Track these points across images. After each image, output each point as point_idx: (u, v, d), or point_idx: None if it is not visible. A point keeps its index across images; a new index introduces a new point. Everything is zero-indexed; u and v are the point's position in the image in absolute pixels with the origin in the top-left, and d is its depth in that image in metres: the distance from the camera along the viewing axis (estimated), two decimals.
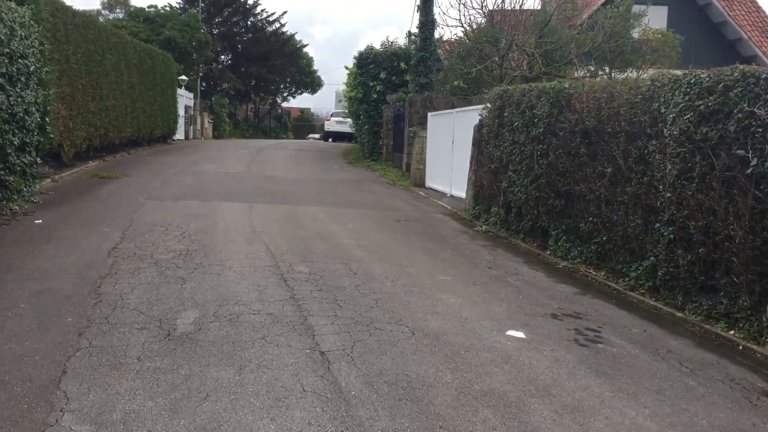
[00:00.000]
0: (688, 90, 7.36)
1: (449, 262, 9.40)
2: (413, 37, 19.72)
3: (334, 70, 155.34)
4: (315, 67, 56.71)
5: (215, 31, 46.21)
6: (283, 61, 50.26)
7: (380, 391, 4.80)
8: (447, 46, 22.26)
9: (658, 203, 7.80)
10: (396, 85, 24.19)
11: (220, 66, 48.85)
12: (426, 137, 18.22)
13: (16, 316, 5.99)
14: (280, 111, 62.61)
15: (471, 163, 13.74)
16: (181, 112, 32.62)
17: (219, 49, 46.39)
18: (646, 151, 8.07)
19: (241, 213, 12.31)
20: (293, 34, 52.60)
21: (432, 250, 10.16)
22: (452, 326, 6.40)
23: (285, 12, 56.56)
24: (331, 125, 42.64)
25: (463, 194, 15.32)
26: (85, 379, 4.75)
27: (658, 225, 7.77)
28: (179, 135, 32.28)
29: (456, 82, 19.42)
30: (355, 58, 25.19)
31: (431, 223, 12.68)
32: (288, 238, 10.14)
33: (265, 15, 50.17)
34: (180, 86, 32.25)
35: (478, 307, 7.15)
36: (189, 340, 5.56)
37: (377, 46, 25.26)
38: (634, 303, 7.83)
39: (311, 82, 56.83)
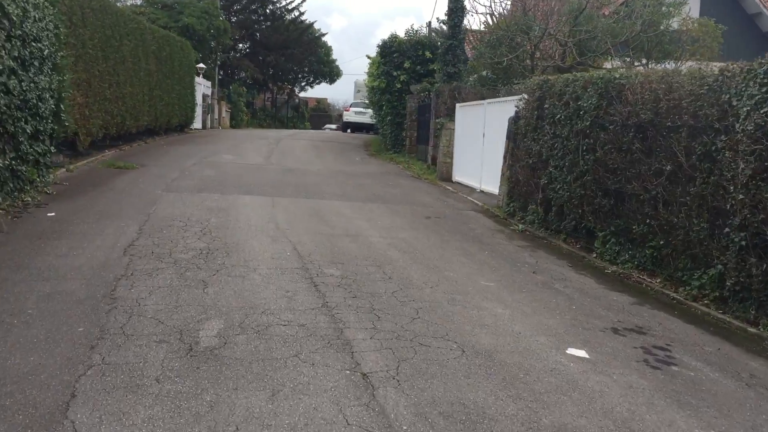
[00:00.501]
0: (766, 81, 6.61)
1: (489, 265, 8.71)
2: (441, 24, 18.99)
3: (351, 61, 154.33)
4: (333, 57, 55.98)
5: (233, 19, 45.55)
6: (302, 50, 49.54)
7: (436, 426, 4.13)
8: (470, 36, 21.44)
9: (728, 206, 7.07)
10: (420, 75, 23.45)
11: (237, 54, 48.25)
12: (454, 129, 17.50)
13: (23, 323, 5.39)
14: (297, 101, 61.96)
15: (505, 157, 13.03)
16: (199, 100, 32.05)
17: (237, 37, 45.74)
18: (713, 148, 7.32)
19: (264, 207, 11.68)
20: (312, 23, 51.94)
21: (469, 251, 9.48)
22: (505, 343, 5.72)
23: (304, 0, 55.21)
24: (349, 116, 41.92)
25: (494, 190, 14.60)
26: (97, 405, 4.12)
27: (727, 230, 7.04)
28: (196, 124, 31.74)
29: (484, 72, 18.65)
30: (378, 46, 24.48)
31: (464, 221, 11.98)
32: (314, 236, 9.50)
33: (283, 3, 49.50)
34: (198, 74, 31.68)
35: (529, 319, 6.47)
36: (213, 357, 4.92)
37: (401, 34, 24.50)
38: (699, 315, 7.11)
39: (329, 72, 56.08)
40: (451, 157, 17.57)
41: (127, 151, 19.47)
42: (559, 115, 10.58)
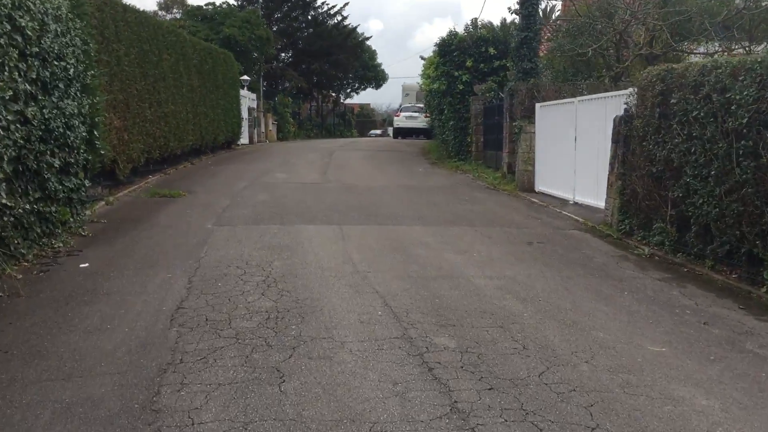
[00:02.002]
0: None
1: (640, 313, 6.65)
2: (513, 14, 17.00)
3: (390, 65, 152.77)
4: (378, 60, 54.19)
5: (274, 28, 44.06)
6: (346, 55, 47.80)
7: None
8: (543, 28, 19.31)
9: None
10: (484, 74, 21.40)
11: (280, 64, 46.81)
12: (534, 132, 15.43)
13: None
14: (343, 108, 60.39)
15: (612, 164, 10.92)
16: (245, 114, 30.59)
17: (279, 46, 44.27)
18: None
19: (332, 240, 9.83)
20: (355, 27, 50.18)
21: (602, 291, 7.43)
22: None
23: (346, 3, 53.63)
24: (400, 121, 40.04)
25: (595, 202, 12.50)
26: None
27: None
28: (243, 139, 30.27)
29: (562, 67, 16.55)
30: (436, 45, 22.47)
31: (573, 245, 9.92)
32: (404, 281, 7.58)
33: (325, 8, 47.83)
34: (242, 87, 30.22)
35: (756, 417, 4.42)
36: None
37: (459, 30, 22.47)
38: None
39: (375, 77, 54.30)
40: (533, 165, 15.49)
41: (172, 175, 17.92)
42: (696, 112, 8.45)
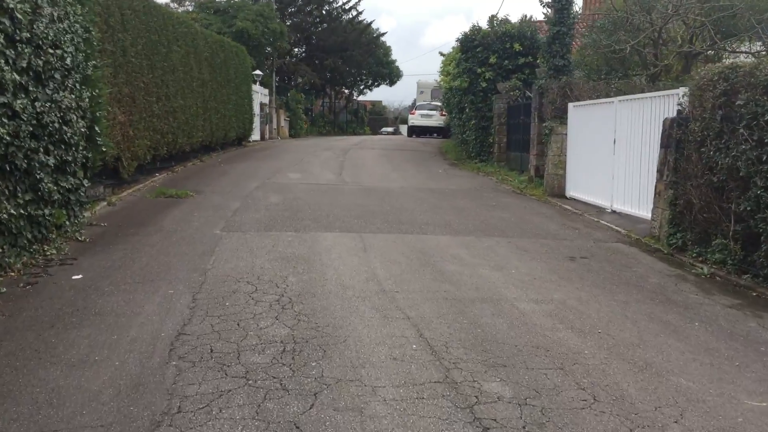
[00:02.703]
0: None
1: (720, 352, 5.65)
2: (545, 7, 15.96)
3: (403, 62, 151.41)
4: (393, 57, 53.16)
5: (288, 22, 43.13)
6: (361, 51, 46.81)
7: None
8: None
9: None
10: (509, 72, 20.36)
11: (293, 59, 45.87)
12: (566, 134, 14.42)
13: None
14: (357, 105, 59.41)
15: (661, 171, 9.92)
16: (257, 110, 29.69)
17: (292, 41, 43.29)
18: None
19: (353, 251, 8.89)
20: (370, 23, 49.23)
21: (666, 320, 6.44)
22: None
23: None
24: (415, 119, 39.05)
25: (632, 210, 11.54)
26: None
27: None
28: (255, 136, 29.36)
29: (594, 64, 15.51)
30: (457, 41, 21.46)
31: (621, 261, 8.93)
32: (438, 305, 6.62)
33: (340, 3, 46.86)
34: (255, 82, 29.32)
35: None
36: None
37: (483, 25, 21.44)
38: None
39: (389, 73, 53.24)
40: (564, 169, 14.48)
41: (180, 173, 17.03)
42: None
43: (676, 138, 9.49)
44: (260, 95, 31.40)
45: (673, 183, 9.52)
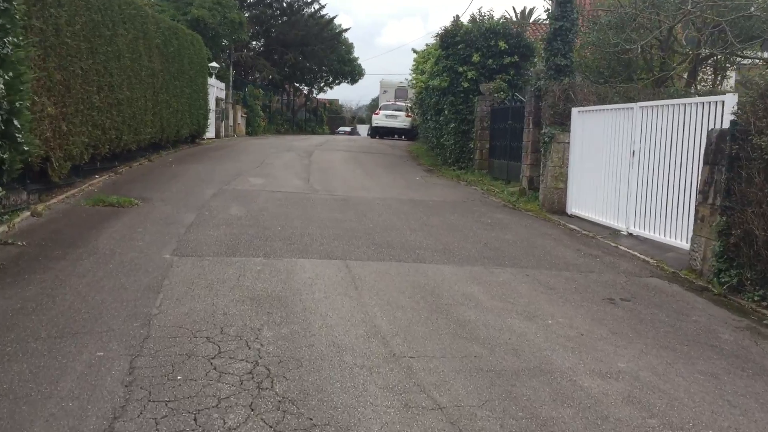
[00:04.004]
0: None
1: None
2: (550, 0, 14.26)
3: (363, 61, 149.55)
4: (355, 54, 51.18)
5: (246, 14, 40.75)
6: (323, 47, 44.67)
7: None
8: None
9: None
10: (492, 71, 18.69)
11: (251, 53, 43.50)
12: (568, 143, 12.80)
13: None
14: (316, 104, 57.27)
15: (706, 193, 8.32)
16: (212, 105, 27.43)
17: (251, 33, 40.92)
18: None
19: (341, 288, 7.03)
20: (333, 18, 47.05)
21: None
22: None
23: None
24: (379, 120, 37.24)
25: (656, 235, 9.98)
26: None
27: None
28: (210, 133, 27.08)
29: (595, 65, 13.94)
30: (437, 36, 19.71)
31: (670, 306, 7.25)
32: (473, 381, 4.82)
33: None
34: (211, 75, 27.06)
35: None
36: None
37: (464, 20, 19.72)
38: None
39: (350, 71, 51.24)
40: (565, 182, 12.85)
41: (125, 175, 14.86)
42: None
43: (729, 154, 7.88)
44: (216, 89, 29.14)
45: (725, 209, 7.91)
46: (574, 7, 13.61)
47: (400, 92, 44.38)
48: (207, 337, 5.38)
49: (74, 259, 7.61)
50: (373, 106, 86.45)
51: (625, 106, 11.08)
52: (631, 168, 10.71)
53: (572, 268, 8.62)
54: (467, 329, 5.96)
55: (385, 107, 37.93)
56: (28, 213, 9.84)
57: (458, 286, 7.37)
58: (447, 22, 19.77)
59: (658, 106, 10.17)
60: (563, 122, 13.01)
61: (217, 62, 29.67)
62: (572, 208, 12.72)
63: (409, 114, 36.67)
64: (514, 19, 36.67)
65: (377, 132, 37.39)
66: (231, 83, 33.46)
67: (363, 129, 71.76)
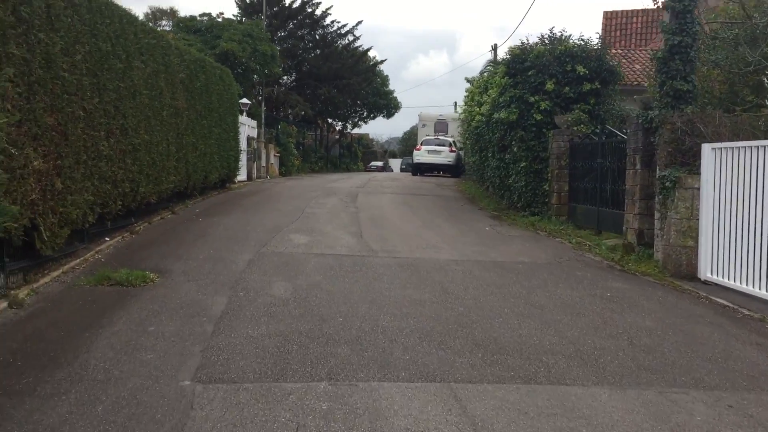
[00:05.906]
0: None
1: None
2: (660, 7, 11.65)
3: (398, 93, 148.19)
4: (391, 87, 48.94)
5: (278, 48, 38.82)
6: (359, 79, 42.43)
7: None
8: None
9: None
10: (568, 101, 16.05)
11: (283, 88, 41.41)
12: (699, 188, 10.02)
13: None
14: (350, 139, 55.04)
15: None
16: (243, 145, 25.13)
17: (282, 67, 38.90)
18: None
19: None
20: (368, 49, 44.87)
21: None
22: None
23: (359, 22, 47.75)
24: (421, 156, 34.73)
25: None
26: None
27: None
28: (241, 175, 24.75)
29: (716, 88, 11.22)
30: (501, 63, 17.14)
31: None
32: None
33: (335, 27, 42.47)
34: (242, 112, 24.83)
35: None
36: None
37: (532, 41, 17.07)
38: None
39: (386, 105, 49.00)
40: (695, 239, 10.04)
41: (142, 234, 12.37)
42: None
43: None
44: (248, 128, 26.87)
45: None
46: (694, 18, 10.90)
47: (440, 125, 41.98)
48: None
49: (46, 396, 5.02)
50: (406, 139, 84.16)
51: None
52: None
53: None
54: None
55: (427, 142, 35.42)
56: (5, 304, 7.32)
57: None
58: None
59: None
60: (687, 162, 10.25)
61: (248, 98, 27.50)
62: (707, 273, 9.88)
63: (453, 149, 34.15)
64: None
65: (419, 169, 34.92)
66: (263, 120, 31.25)
67: (395, 163, 69.41)
